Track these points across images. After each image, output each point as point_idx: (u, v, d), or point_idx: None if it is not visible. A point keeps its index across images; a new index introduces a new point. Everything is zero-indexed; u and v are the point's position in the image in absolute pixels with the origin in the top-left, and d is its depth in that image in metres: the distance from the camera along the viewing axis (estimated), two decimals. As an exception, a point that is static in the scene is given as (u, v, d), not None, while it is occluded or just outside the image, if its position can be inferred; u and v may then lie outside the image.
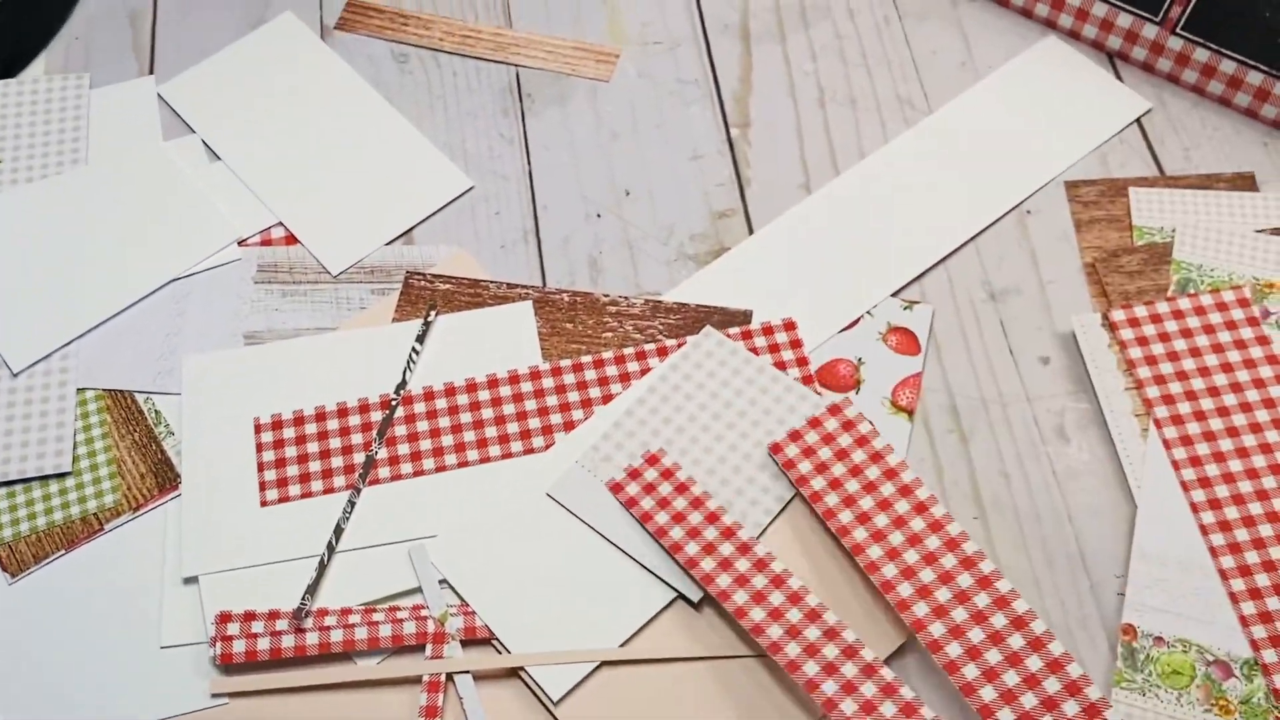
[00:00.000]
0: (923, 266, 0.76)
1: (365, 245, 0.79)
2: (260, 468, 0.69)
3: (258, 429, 0.70)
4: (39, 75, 0.87)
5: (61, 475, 0.70)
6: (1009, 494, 0.67)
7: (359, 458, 0.69)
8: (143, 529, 0.68)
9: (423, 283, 0.76)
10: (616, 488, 0.67)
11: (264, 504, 0.68)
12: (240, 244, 0.79)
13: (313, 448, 0.70)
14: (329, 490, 0.68)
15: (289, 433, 0.70)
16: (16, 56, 0.88)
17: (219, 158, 0.83)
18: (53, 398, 0.73)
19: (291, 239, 0.79)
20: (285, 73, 0.87)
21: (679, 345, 0.72)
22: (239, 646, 0.63)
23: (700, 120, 0.83)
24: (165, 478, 0.70)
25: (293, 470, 0.69)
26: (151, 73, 0.88)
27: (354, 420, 0.71)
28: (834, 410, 0.67)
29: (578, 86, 0.85)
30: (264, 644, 0.63)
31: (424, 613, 0.64)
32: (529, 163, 0.82)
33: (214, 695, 0.63)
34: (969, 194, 0.79)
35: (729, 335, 0.72)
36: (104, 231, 0.79)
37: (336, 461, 0.69)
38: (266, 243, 0.79)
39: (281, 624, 0.63)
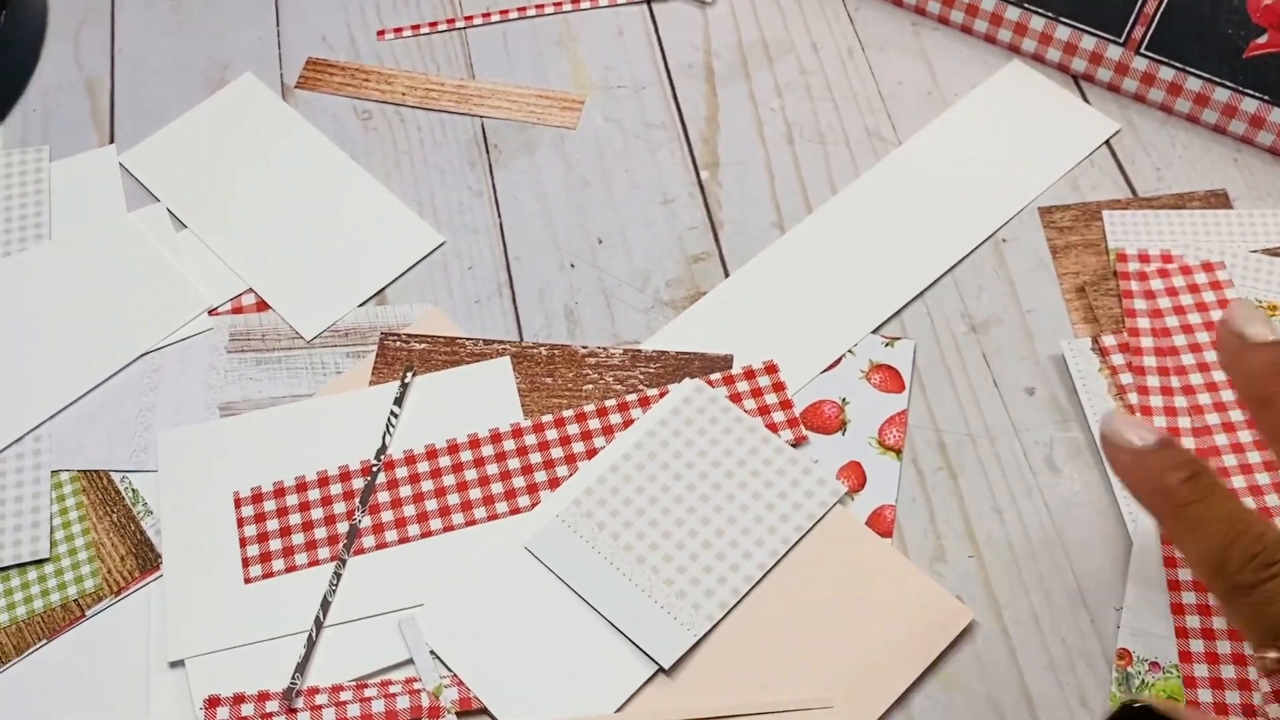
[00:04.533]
0: (901, 301, 0.75)
1: (338, 308, 0.78)
2: (242, 543, 0.68)
3: (237, 503, 0.69)
4: (-3, 150, 0.86)
5: (40, 562, 0.69)
6: (1003, 530, 0.67)
7: (342, 527, 0.68)
8: (125, 613, 0.67)
9: (398, 343, 0.75)
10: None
11: (248, 580, 0.67)
12: (211, 313, 0.78)
13: (295, 519, 0.69)
14: (314, 563, 0.67)
15: (270, 505, 0.69)
16: (-27, 132, 0.87)
17: (185, 225, 0.82)
18: (27, 481, 0.71)
19: (263, 305, 0.78)
20: (248, 135, 0.86)
21: (661, 394, 0.71)
22: (230, 731, 0.61)
23: (669, 163, 0.83)
24: (146, 559, 0.68)
25: (275, 544, 0.68)
26: (112, 141, 0.87)
27: (335, 489, 0.69)
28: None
29: (544, 135, 0.85)
30: (255, 727, 0.62)
31: (417, 686, 0.62)
32: (499, 215, 0.81)
33: (206, 783, 0.61)
34: (943, 225, 0.78)
35: (710, 381, 0.71)
36: (71, 307, 0.78)
37: (320, 533, 0.68)
38: (238, 310, 0.78)
39: (272, 705, 0.62)
